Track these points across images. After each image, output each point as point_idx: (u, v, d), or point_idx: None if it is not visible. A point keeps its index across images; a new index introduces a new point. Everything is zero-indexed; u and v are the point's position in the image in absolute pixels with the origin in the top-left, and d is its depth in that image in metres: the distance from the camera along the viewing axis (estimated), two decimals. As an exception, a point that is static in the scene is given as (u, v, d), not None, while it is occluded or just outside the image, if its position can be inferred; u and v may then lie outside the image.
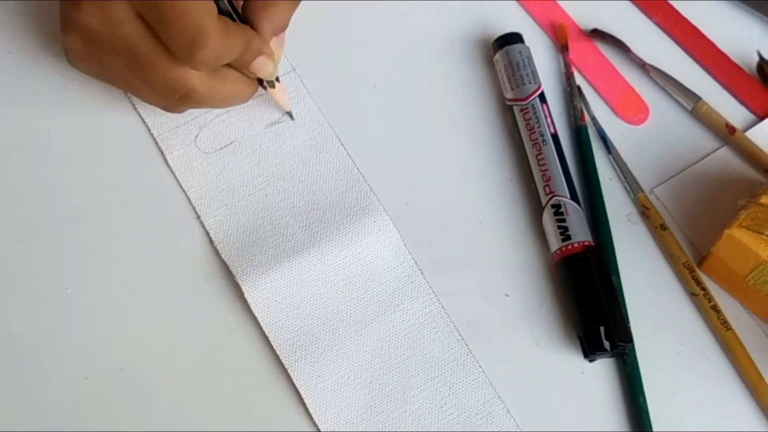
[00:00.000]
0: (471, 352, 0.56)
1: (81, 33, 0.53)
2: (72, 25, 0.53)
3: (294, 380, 0.55)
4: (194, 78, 0.54)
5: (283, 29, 0.58)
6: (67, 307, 0.57)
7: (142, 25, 0.52)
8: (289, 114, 0.61)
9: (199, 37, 0.51)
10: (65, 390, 0.56)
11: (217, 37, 0.51)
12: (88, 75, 0.57)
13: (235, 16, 0.55)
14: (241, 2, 0.57)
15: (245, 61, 0.55)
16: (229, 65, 0.55)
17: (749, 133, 0.61)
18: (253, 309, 0.57)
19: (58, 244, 0.59)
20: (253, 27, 0.56)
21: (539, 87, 0.61)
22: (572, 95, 0.62)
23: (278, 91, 0.59)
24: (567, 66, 0.63)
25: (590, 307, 0.55)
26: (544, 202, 0.58)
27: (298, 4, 0.57)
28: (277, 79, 0.59)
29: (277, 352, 0.56)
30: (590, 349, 0.54)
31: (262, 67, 0.56)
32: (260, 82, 0.58)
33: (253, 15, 0.56)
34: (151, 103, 0.56)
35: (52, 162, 0.60)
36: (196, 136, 0.61)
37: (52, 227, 0.59)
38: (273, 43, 0.57)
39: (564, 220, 0.57)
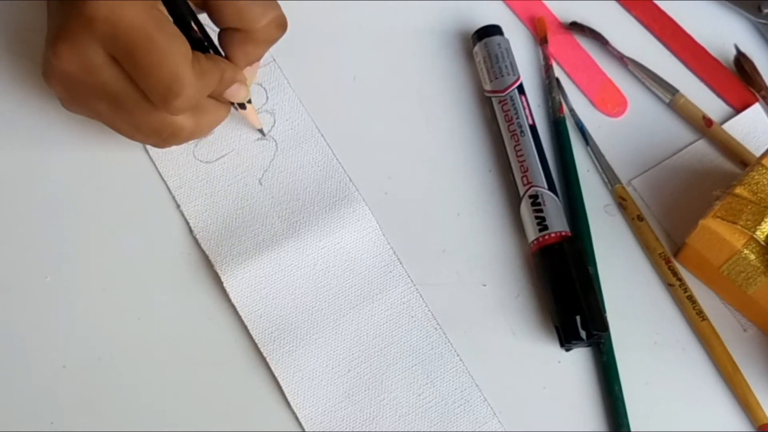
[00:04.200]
0: (449, 341, 0.57)
1: (62, 79, 0.52)
2: (52, 72, 0.52)
3: (272, 369, 0.56)
4: (178, 118, 0.53)
5: (258, 60, 0.57)
6: (46, 296, 0.57)
7: (119, 69, 0.51)
8: (261, 131, 0.61)
9: (174, 86, 0.50)
10: (43, 378, 0.56)
11: (193, 84, 0.51)
12: (81, 116, 0.56)
13: (207, 44, 0.55)
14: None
15: (220, 90, 0.55)
16: None
17: (726, 126, 0.61)
18: (231, 298, 0.57)
19: (38, 234, 0.59)
20: (227, 57, 0.55)
21: (518, 79, 0.61)
22: (551, 87, 0.62)
23: (250, 112, 0.59)
24: (546, 58, 0.63)
25: (566, 297, 0.55)
26: (521, 192, 0.58)
27: (275, 41, 0.57)
28: (249, 101, 0.59)
29: (256, 340, 0.56)
30: (566, 338, 0.55)
31: (235, 93, 0.56)
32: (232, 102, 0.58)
33: (229, 48, 0.55)
34: (141, 142, 0.56)
35: (31, 151, 0.61)
36: (176, 126, 0.61)
37: (30, 217, 0.59)
38: (247, 69, 0.57)
39: (541, 211, 0.57)
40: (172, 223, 0.59)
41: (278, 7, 0.55)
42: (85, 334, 0.57)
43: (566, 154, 0.61)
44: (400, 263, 0.58)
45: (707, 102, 0.62)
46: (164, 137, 0.54)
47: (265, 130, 0.61)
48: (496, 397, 0.56)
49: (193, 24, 0.54)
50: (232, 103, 0.58)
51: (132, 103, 0.52)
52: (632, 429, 0.54)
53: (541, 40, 0.64)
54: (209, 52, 0.55)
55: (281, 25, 0.56)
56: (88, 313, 0.57)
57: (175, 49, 0.50)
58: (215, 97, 0.56)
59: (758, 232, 0.53)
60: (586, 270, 0.56)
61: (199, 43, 0.54)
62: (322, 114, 0.62)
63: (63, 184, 0.60)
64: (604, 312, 0.56)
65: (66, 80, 0.52)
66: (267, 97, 0.62)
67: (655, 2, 0.65)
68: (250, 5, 0.54)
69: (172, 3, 0.53)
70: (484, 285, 0.58)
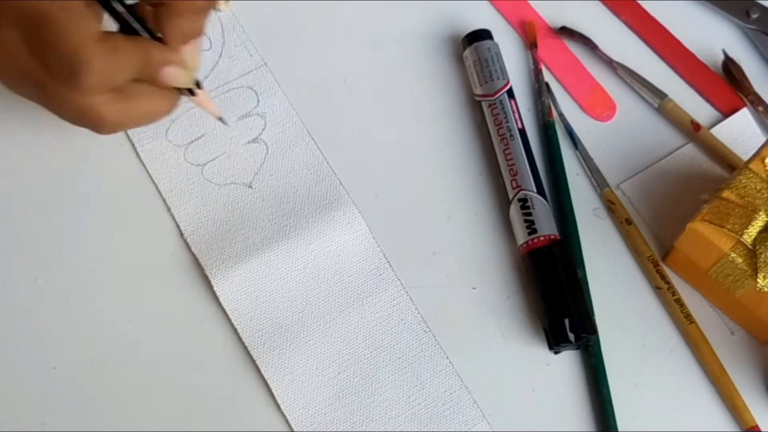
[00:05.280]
0: (438, 344, 0.57)
1: None
2: None
3: (262, 371, 0.56)
4: (99, 103, 0.51)
5: (195, 37, 0.54)
6: (37, 297, 0.57)
7: (34, 55, 0.50)
8: (221, 119, 0.58)
9: (78, 62, 0.48)
10: (33, 379, 0.56)
11: (100, 59, 0.49)
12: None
13: (137, 26, 0.52)
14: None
15: (150, 74, 0.52)
16: (139, 81, 0.53)
17: (714, 130, 0.62)
18: (221, 301, 0.57)
19: (29, 236, 0.59)
20: (163, 39, 0.53)
21: (507, 83, 0.61)
22: (540, 91, 0.63)
23: (202, 99, 0.56)
24: (535, 63, 0.64)
25: (555, 300, 0.55)
26: (511, 196, 0.58)
27: (207, 12, 0.54)
28: (199, 86, 0.56)
29: (246, 343, 0.56)
30: (555, 341, 0.55)
31: (172, 77, 0.53)
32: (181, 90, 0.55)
33: (159, 25, 0.53)
34: (79, 126, 0.54)
35: (23, 154, 0.61)
36: (167, 129, 0.61)
37: (22, 219, 0.59)
38: (186, 50, 0.54)
39: (530, 214, 0.57)
40: (163, 226, 0.59)
41: None
42: (76, 336, 0.57)
43: (555, 157, 0.61)
44: (390, 266, 0.59)
45: (695, 106, 0.63)
46: (93, 122, 0.52)
47: (256, 134, 0.61)
48: (485, 400, 0.56)
49: (117, 6, 0.52)
50: (182, 91, 0.55)
51: (51, 88, 0.51)
52: (620, 431, 0.55)
53: (530, 44, 0.64)
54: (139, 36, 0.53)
55: None
56: (79, 315, 0.57)
57: (75, 25, 0.49)
58: (153, 83, 0.54)
59: (745, 236, 0.53)
60: (574, 273, 0.56)
61: (126, 25, 0.52)
62: (313, 117, 0.62)
63: (53, 187, 0.60)
64: (593, 315, 0.56)
65: None
66: (258, 101, 0.62)
67: (644, 7, 0.66)
68: None
69: None
70: (474, 288, 0.58)
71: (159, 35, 0.53)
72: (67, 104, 0.52)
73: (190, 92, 0.56)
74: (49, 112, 0.54)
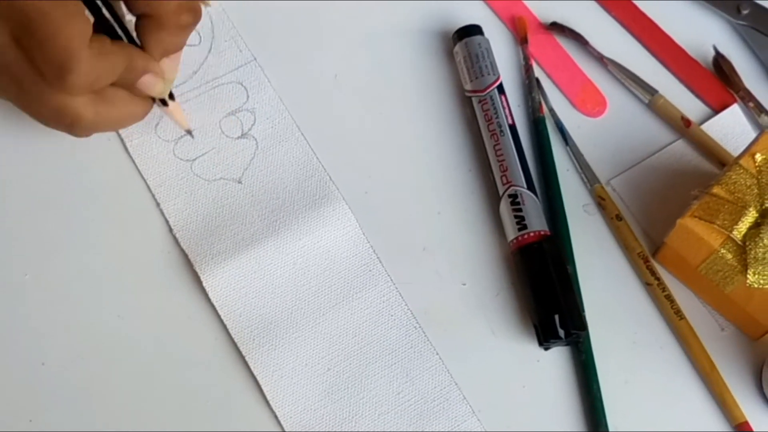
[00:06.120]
0: (428, 340, 0.57)
1: None
2: None
3: (252, 367, 0.56)
4: (78, 104, 0.52)
5: (176, 51, 0.56)
6: (25, 293, 0.57)
7: (21, 51, 0.50)
8: (189, 132, 0.60)
9: (68, 61, 0.49)
10: (21, 376, 0.56)
11: (88, 61, 0.50)
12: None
13: (121, 32, 0.54)
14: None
15: (129, 80, 0.54)
16: (116, 85, 0.54)
17: (704, 127, 0.62)
18: (211, 297, 0.57)
19: (17, 231, 0.59)
20: (143, 48, 0.55)
21: (498, 78, 0.61)
22: (531, 87, 0.63)
23: (173, 110, 0.58)
24: (526, 58, 0.64)
25: (545, 296, 0.55)
26: (501, 191, 0.58)
27: (191, 31, 0.56)
28: (171, 97, 0.58)
29: (235, 339, 0.56)
30: (545, 337, 0.55)
31: (148, 85, 0.55)
32: (154, 99, 0.57)
33: (143, 37, 0.54)
34: (52, 128, 0.55)
35: (12, 149, 0.60)
36: (157, 125, 0.61)
37: (10, 214, 0.59)
38: (165, 62, 0.56)
39: (520, 210, 0.57)
40: (152, 222, 0.59)
41: None
42: (65, 332, 0.56)
43: (546, 153, 0.61)
44: (380, 262, 0.58)
45: (686, 102, 0.63)
46: (66, 123, 0.53)
47: (245, 129, 0.61)
48: (475, 396, 0.56)
49: (105, 12, 0.53)
50: (155, 100, 0.57)
51: (33, 85, 0.51)
52: (611, 427, 0.55)
53: (521, 40, 0.64)
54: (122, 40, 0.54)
55: (192, 9, 0.55)
56: (68, 311, 0.57)
57: (70, 24, 0.49)
58: (129, 89, 0.55)
59: (735, 232, 0.53)
60: (564, 269, 0.56)
61: (111, 30, 0.53)
62: (303, 113, 0.62)
63: (43, 182, 0.60)
64: (583, 311, 0.56)
65: None
66: (248, 96, 0.62)
67: (635, 3, 0.66)
68: None
69: None
70: (464, 284, 0.58)
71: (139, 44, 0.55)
72: (47, 103, 0.52)
73: (163, 102, 0.57)
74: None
